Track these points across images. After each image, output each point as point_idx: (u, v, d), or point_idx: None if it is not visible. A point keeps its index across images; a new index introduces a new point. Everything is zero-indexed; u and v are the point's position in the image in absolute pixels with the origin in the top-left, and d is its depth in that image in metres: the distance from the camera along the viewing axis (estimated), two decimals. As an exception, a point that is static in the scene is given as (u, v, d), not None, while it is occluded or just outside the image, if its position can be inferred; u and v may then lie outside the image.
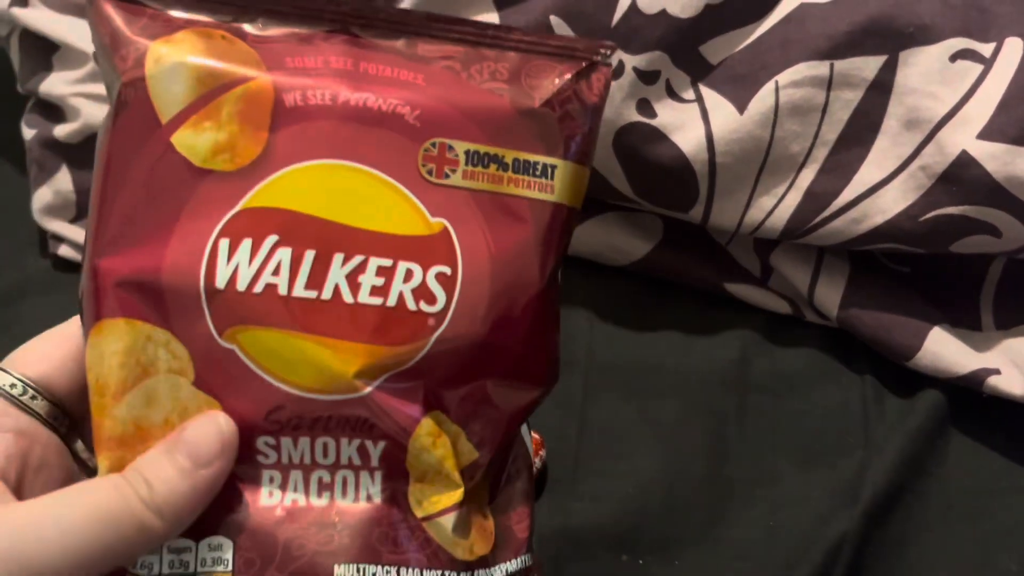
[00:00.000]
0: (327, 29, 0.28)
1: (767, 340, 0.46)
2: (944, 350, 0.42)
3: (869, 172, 0.41)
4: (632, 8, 0.41)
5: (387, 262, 0.27)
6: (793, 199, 0.42)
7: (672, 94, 0.42)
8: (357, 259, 0.27)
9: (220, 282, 0.26)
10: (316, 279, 0.26)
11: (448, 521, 0.28)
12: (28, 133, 0.51)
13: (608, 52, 0.30)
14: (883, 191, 0.41)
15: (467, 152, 0.27)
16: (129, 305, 0.26)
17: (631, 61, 0.41)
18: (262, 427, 0.27)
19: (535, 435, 0.41)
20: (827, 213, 0.42)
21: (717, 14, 0.41)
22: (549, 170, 0.28)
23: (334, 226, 0.27)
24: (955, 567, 0.39)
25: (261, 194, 0.26)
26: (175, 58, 0.26)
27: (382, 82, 0.27)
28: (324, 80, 0.27)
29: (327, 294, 0.26)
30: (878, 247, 0.43)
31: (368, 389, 0.27)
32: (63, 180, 0.49)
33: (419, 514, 0.28)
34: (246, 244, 0.26)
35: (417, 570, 0.27)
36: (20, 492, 0.27)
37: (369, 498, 0.27)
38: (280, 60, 0.27)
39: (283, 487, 0.27)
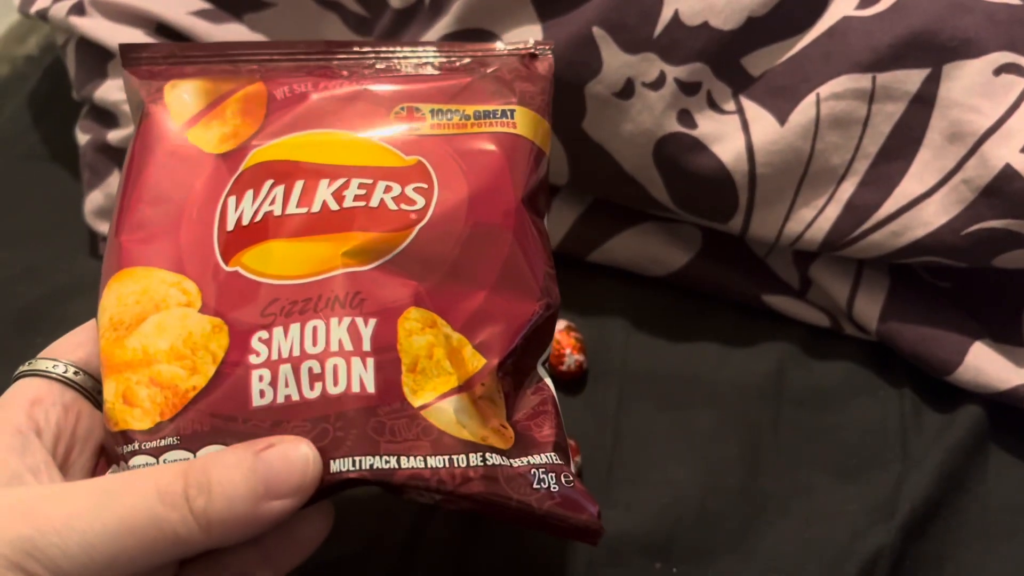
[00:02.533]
0: (315, 63, 0.34)
1: (804, 353, 0.46)
2: (986, 365, 0.42)
3: (910, 185, 0.41)
4: (674, 20, 0.41)
5: (368, 180, 0.30)
6: (833, 211, 0.42)
7: (713, 105, 0.42)
8: (341, 180, 0.30)
9: (230, 226, 0.30)
10: (306, 199, 0.29)
11: (449, 404, 0.28)
12: (82, 138, 0.52)
13: (546, 47, 0.34)
14: (925, 204, 0.41)
15: (432, 110, 0.31)
16: (147, 258, 0.29)
17: (672, 72, 0.41)
18: (258, 324, 0.28)
19: (571, 441, 0.41)
20: (867, 226, 0.42)
21: (760, 26, 0.41)
22: (508, 112, 0.32)
23: (321, 166, 0.30)
24: (994, 585, 0.38)
25: (257, 155, 0.31)
26: (188, 82, 0.32)
27: (357, 76, 0.33)
28: (308, 79, 0.32)
29: (316, 208, 0.29)
30: (919, 261, 0.42)
31: (357, 268, 0.29)
32: (114, 184, 0.50)
33: (416, 403, 0.27)
34: (249, 194, 0.30)
35: (420, 458, 0.26)
36: (67, 460, 0.28)
37: (363, 387, 0.27)
38: (273, 75, 0.33)
39: (274, 384, 0.27)
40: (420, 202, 0.29)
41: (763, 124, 0.42)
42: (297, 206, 0.29)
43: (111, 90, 0.51)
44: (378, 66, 0.33)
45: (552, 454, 0.29)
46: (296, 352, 0.27)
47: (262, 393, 0.27)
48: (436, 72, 0.33)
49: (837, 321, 0.46)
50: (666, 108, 0.42)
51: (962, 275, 0.45)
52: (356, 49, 0.34)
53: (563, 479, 0.28)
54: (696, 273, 0.48)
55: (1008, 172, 0.39)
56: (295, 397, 0.27)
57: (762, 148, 0.41)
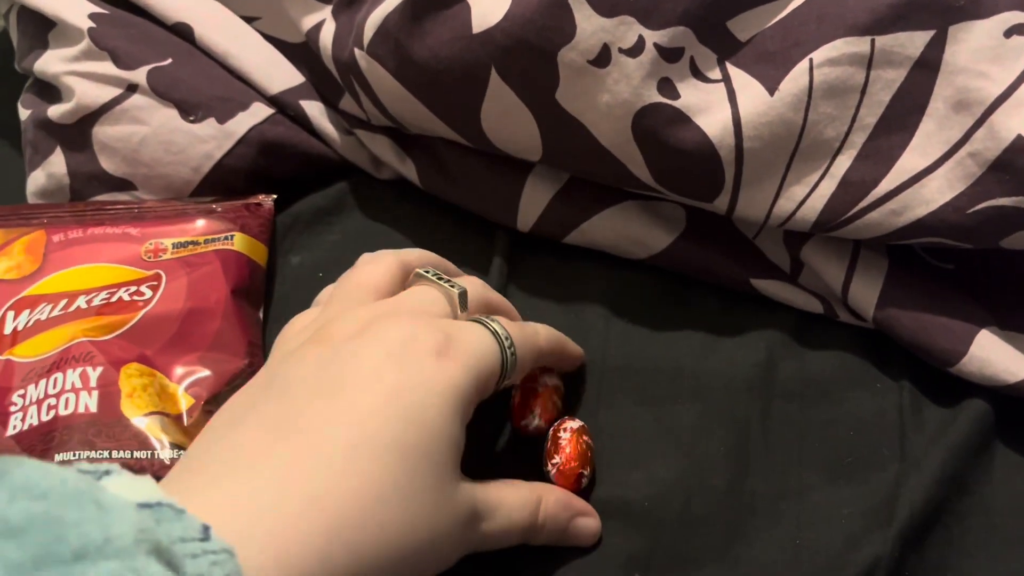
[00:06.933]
0: (91, 216, 0.47)
1: (796, 342, 0.44)
2: (993, 356, 0.40)
3: (912, 159, 0.39)
4: (654, -21, 0.38)
5: (113, 289, 0.43)
6: (827, 188, 0.40)
7: (697, 73, 0.40)
8: (94, 293, 0.42)
9: (7, 331, 0.41)
10: (67, 307, 0.42)
11: (155, 420, 0.39)
12: (24, 114, 0.51)
13: (261, 201, 0.48)
14: (927, 180, 0.39)
15: (173, 243, 0.45)
16: None
17: (652, 37, 0.39)
18: (17, 387, 0.39)
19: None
20: (864, 204, 0.40)
21: (747, -15, 0.39)
22: (230, 237, 0.45)
23: (81, 289, 0.43)
24: (999, 596, 0.37)
25: (35, 288, 0.43)
26: None
27: (123, 223, 0.46)
28: (80, 227, 0.45)
29: (72, 309, 0.42)
30: (920, 241, 0.40)
31: (95, 338, 0.40)
32: (57, 163, 0.49)
33: (130, 416, 0.39)
34: (26, 312, 0.42)
35: (128, 451, 0.38)
36: None
37: (87, 408, 0.38)
38: (54, 224, 0.46)
39: (23, 420, 0.38)
40: (148, 295, 0.42)
41: (751, 94, 0.39)
42: (60, 310, 0.42)
43: (51, 61, 0.49)
44: (140, 214, 0.46)
45: None
46: (42, 396, 0.39)
47: (14, 427, 0.39)
48: (187, 213, 0.46)
49: (831, 307, 0.45)
50: (645, 77, 0.39)
51: (967, 257, 0.43)
52: (123, 205, 0.47)
53: None
54: (680, 255, 0.46)
55: (1019, 144, 0.37)
56: (35, 423, 0.38)
57: (750, 120, 0.39)
